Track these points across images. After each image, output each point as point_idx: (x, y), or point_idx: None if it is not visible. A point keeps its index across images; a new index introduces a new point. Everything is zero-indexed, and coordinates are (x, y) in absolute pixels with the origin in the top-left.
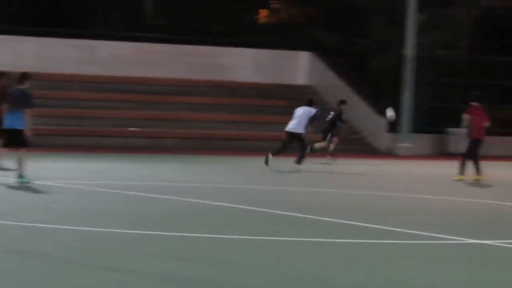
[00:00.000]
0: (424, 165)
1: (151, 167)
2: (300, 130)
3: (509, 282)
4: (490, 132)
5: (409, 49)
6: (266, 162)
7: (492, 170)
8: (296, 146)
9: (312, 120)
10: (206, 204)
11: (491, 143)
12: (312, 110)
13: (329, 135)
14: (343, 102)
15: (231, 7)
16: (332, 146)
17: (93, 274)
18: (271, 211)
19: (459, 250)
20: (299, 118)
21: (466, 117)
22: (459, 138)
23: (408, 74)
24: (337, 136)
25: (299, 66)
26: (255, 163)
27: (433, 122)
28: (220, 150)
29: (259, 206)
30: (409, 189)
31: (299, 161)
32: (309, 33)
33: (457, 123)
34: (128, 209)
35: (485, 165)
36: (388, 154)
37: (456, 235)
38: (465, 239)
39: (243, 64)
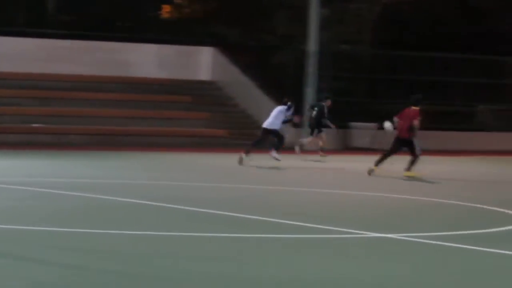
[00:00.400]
0: (328, 159)
1: (57, 164)
2: (276, 126)
3: (410, 275)
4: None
5: (312, 44)
6: (240, 162)
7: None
8: (272, 141)
9: (286, 118)
10: (114, 200)
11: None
12: (285, 108)
13: (315, 131)
14: (327, 98)
15: (134, 2)
16: (321, 143)
17: None
18: (180, 207)
19: (362, 244)
20: (274, 116)
21: (395, 119)
22: (362, 132)
23: (311, 69)
24: (321, 134)
25: (202, 62)
26: (161, 158)
27: (336, 117)
28: (126, 146)
29: (167, 202)
30: (314, 184)
31: (276, 150)
32: (212, 28)
33: (360, 118)
34: (34, 206)
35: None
36: (292, 149)
37: (360, 229)
38: (368, 233)
39: (146, 60)
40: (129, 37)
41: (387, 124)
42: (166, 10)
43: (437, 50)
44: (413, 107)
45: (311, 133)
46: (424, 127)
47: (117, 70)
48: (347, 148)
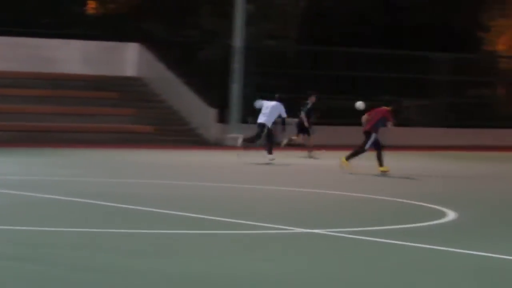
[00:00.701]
0: (252, 155)
1: None
2: (269, 123)
3: (333, 270)
4: (324, 122)
5: (237, 40)
6: (243, 145)
7: (323, 160)
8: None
9: (281, 117)
10: (39, 197)
11: (326, 132)
12: (280, 108)
13: (310, 130)
14: (310, 95)
15: None
16: (311, 141)
17: None
18: (103, 203)
19: (288, 239)
20: (269, 112)
21: (365, 116)
22: (286, 127)
23: (237, 65)
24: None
25: (128, 58)
26: (87, 155)
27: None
28: (51, 142)
29: (90, 198)
30: (243, 180)
31: (269, 152)
32: (138, 24)
33: (286, 113)
34: None
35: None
36: (218, 145)
37: (287, 224)
38: (296, 228)
39: (71, 56)
40: (54, 33)
41: (359, 103)
42: (91, 6)
43: (362, 46)
44: (384, 107)
45: (304, 132)
46: (349, 122)
47: (42, 67)
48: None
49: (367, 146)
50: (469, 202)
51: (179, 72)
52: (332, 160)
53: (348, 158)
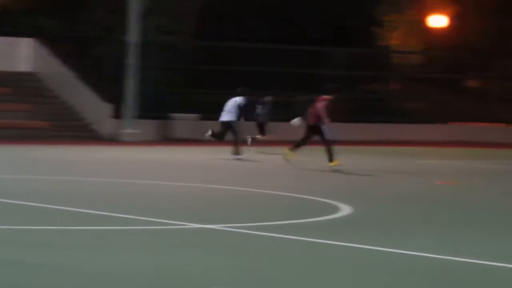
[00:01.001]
0: (149, 151)
1: None
2: (231, 118)
3: (229, 265)
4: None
5: (133, 35)
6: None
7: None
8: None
9: (242, 109)
10: None
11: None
12: (241, 100)
13: (265, 127)
14: (269, 94)
15: None
16: (261, 136)
17: None
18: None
19: (184, 235)
20: (229, 108)
21: (310, 110)
22: (183, 123)
23: (132, 60)
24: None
25: (22, 53)
26: None
27: (157, 108)
28: None
29: None
30: (135, 175)
31: (235, 151)
32: (32, 19)
33: (181, 109)
34: None
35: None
36: (113, 140)
37: (182, 220)
38: (191, 224)
39: None
40: None
41: (295, 120)
42: None
43: (259, 41)
44: (325, 96)
45: (261, 131)
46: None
47: None
48: (168, 139)
49: (328, 137)
50: (364, 197)
51: (73, 67)
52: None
53: (330, 160)
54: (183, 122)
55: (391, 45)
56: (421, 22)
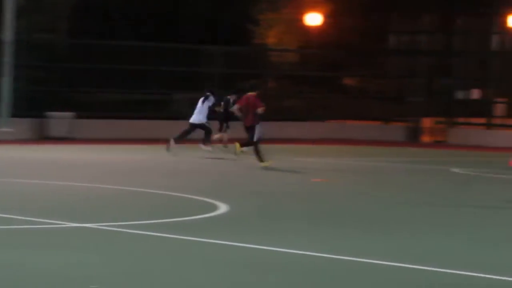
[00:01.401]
0: (25, 149)
1: None
2: (201, 119)
3: (102, 264)
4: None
5: (7, 33)
6: (168, 149)
7: (102, 153)
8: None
9: (210, 107)
10: None
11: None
12: (210, 99)
13: (224, 125)
14: (234, 92)
15: None
16: (225, 136)
17: None
18: None
19: (62, 234)
20: (199, 109)
21: (236, 107)
22: (59, 121)
23: (7, 59)
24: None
25: None
26: None
27: (33, 107)
28: None
29: None
30: (11, 174)
31: (205, 143)
32: None
33: (57, 107)
34: None
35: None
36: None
37: (57, 219)
38: (67, 223)
39: None
40: None
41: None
42: None
43: (137, 39)
44: (251, 93)
45: (220, 128)
46: (121, 116)
47: None
48: (43, 137)
49: (256, 138)
50: (241, 195)
51: None
52: (108, 153)
53: (261, 160)
54: (59, 120)
55: (267, 43)
56: (298, 21)
